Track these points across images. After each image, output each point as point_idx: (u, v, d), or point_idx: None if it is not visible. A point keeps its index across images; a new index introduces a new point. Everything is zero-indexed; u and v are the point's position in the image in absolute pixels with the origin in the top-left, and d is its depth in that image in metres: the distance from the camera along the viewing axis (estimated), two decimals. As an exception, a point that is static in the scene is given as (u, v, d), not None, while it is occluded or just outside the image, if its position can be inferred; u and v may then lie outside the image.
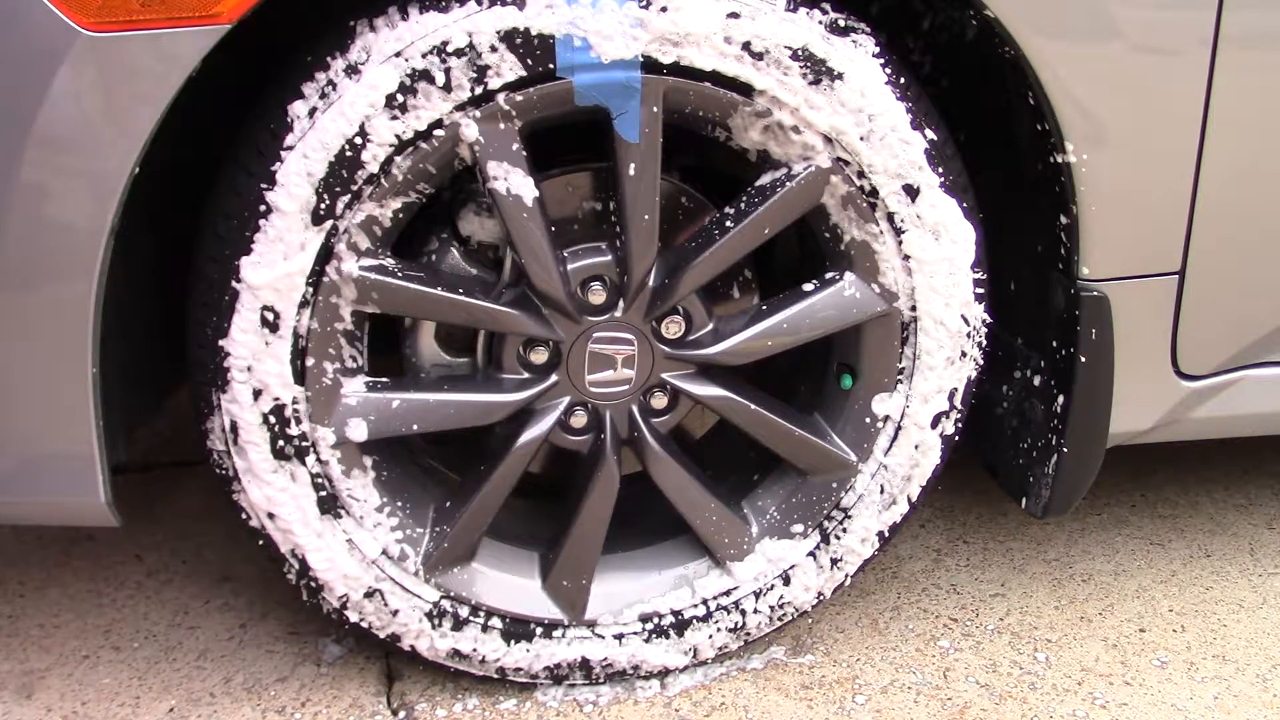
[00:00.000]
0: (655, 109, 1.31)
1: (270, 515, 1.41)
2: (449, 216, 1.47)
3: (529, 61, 1.26)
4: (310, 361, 1.36)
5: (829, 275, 1.49)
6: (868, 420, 1.54)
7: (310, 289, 1.32)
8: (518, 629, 1.55)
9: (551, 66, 1.26)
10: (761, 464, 1.64)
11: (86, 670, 1.65)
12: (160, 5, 1.16)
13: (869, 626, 1.76)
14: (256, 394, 1.35)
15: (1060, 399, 1.54)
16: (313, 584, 1.47)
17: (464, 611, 1.53)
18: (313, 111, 1.26)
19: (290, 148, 1.26)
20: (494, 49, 1.25)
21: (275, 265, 1.29)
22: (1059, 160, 1.41)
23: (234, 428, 1.36)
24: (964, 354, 1.51)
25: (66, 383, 1.27)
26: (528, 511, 1.66)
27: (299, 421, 1.37)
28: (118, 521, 1.36)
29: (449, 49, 1.25)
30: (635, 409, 1.52)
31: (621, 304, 1.44)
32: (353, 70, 1.26)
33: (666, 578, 1.61)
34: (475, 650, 1.54)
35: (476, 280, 1.46)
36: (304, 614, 1.76)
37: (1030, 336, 1.60)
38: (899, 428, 1.54)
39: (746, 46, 1.29)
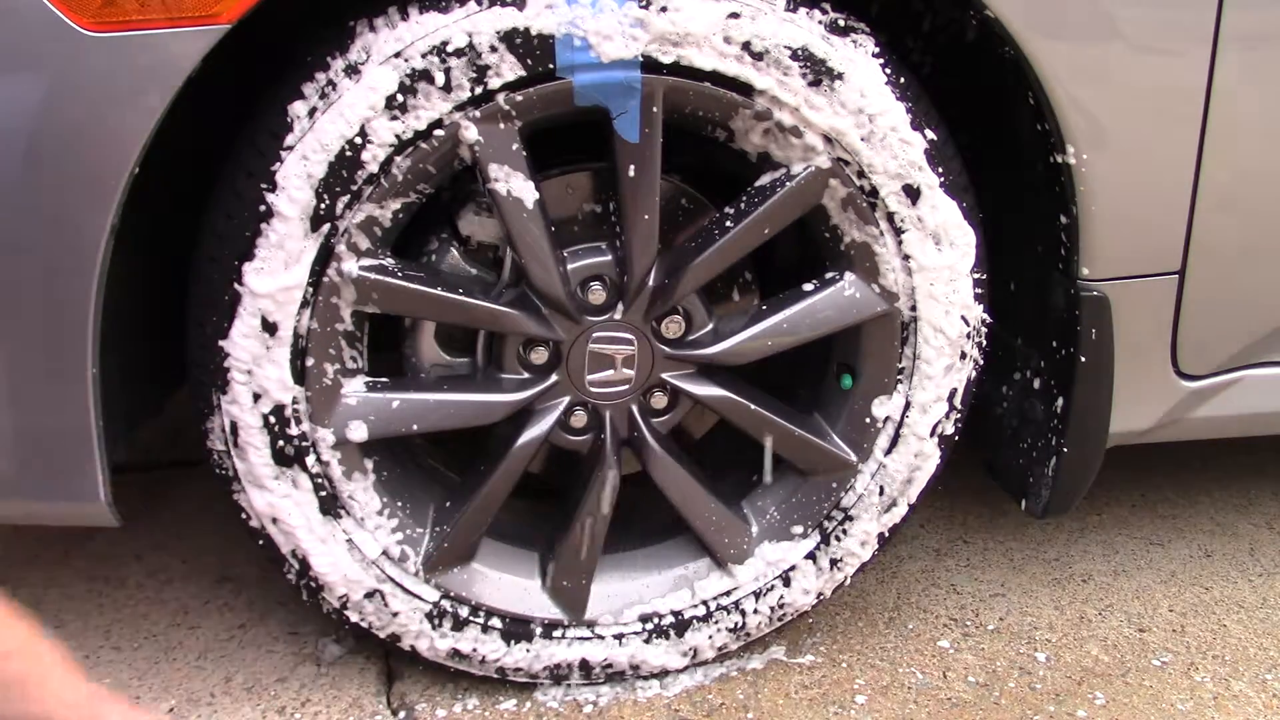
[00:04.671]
0: (655, 109, 1.31)
1: (272, 518, 1.41)
2: (449, 216, 1.47)
3: (529, 61, 1.26)
4: (310, 362, 1.36)
5: (829, 275, 1.49)
6: (867, 420, 1.54)
7: (310, 290, 1.32)
8: (518, 629, 1.55)
9: (551, 66, 1.26)
10: (761, 464, 1.64)
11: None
12: (160, 5, 1.16)
13: (869, 627, 1.76)
14: (256, 396, 1.35)
15: (1060, 399, 1.54)
16: (313, 584, 1.47)
17: (464, 612, 1.53)
18: (312, 112, 1.26)
19: (290, 148, 1.26)
20: (494, 49, 1.25)
21: (277, 272, 1.29)
22: (1059, 160, 1.41)
23: (234, 428, 1.36)
24: (964, 354, 1.50)
25: (66, 383, 1.27)
26: (528, 511, 1.66)
27: (299, 422, 1.37)
28: (118, 521, 1.36)
29: (449, 49, 1.25)
30: (635, 409, 1.52)
31: (621, 304, 1.44)
32: (352, 70, 1.26)
33: (666, 578, 1.61)
34: (475, 650, 1.54)
35: (476, 280, 1.46)
36: (304, 614, 1.76)
37: (1030, 337, 1.60)
38: (899, 428, 1.54)
39: (746, 46, 1.29)
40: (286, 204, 1.27)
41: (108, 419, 1.31)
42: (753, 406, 1.52)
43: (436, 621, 1.52)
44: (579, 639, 1.57)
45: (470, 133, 1.28)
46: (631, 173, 1.33)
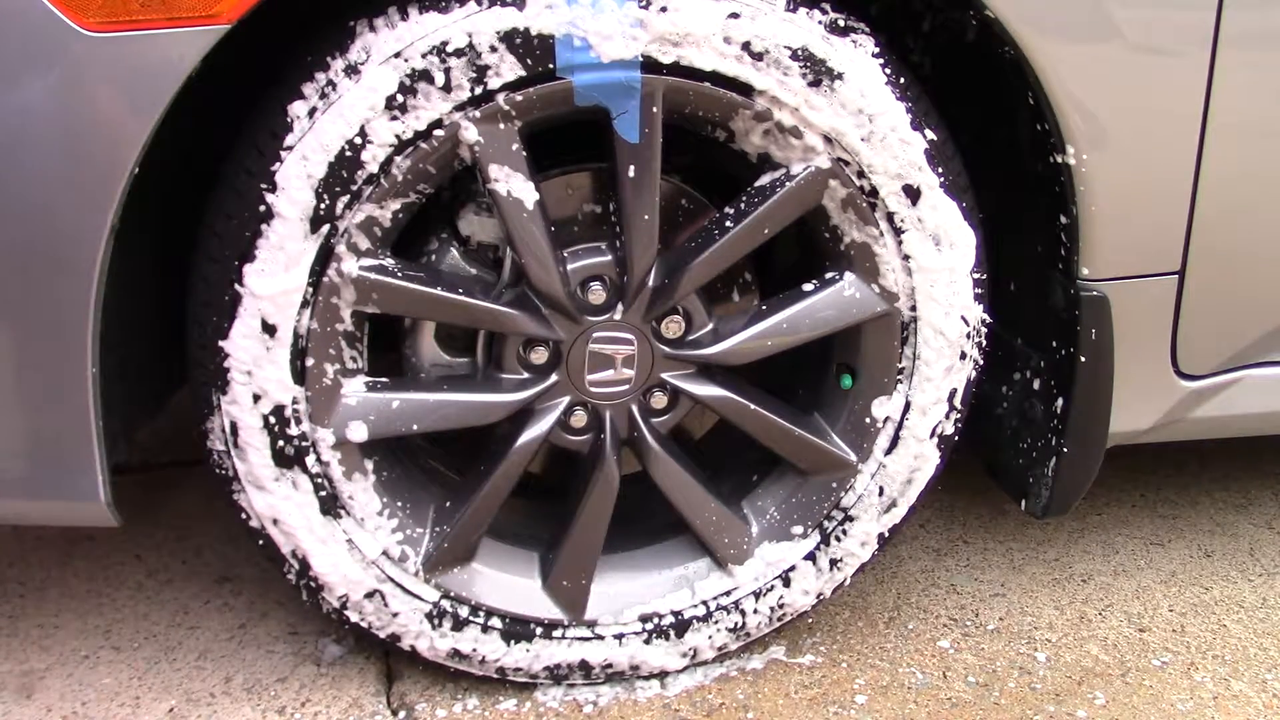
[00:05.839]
0: (655, 109, 1.31)
1: (272, 518, 1.41)
2: (449, 216, 1.47)
3: (529, 62, 1.26)
4: (310, 362, 1.36)
5: (829, 275, 1.49)
6: (868, 420, 1.54)
7: (310, 290, 1.32)
8: (518, 629, 1.55)
9: (551, 66, 1.26)
10: (761, 464, 1.64)
11: (86, 670, 1.65)
12: (160, 5, 1.16)
13: (869, 627, 1.76)
14: (256, 396, 1.35)
15: (1060, 399, 1.54)
16: (313, 584, 1.47)
17: (464, 612, 1.53)
18: (312, 112, 1.26)
19: (290, 148, 1.26)
20: (494, 49, 1.25)
21: (277, 273, 1.29)
22: (1059, 160, 1.41)
23: (234, 429, 1.36)
24: (964, 355, 1.50)
25: (66, 383, 1.27)
26: (528, 511, 1.66)
27: (299, 422, 1.37)
28: (118, 521, 1.36)
29: (449, 49, 1.25)
30: (635, 409, 1.52)
31: (621, 304, 1.44)
32: (352, 70, 1.26)
33: (666, 578, 1.61)
34: (475, 650, 1.54)
35: (476, 280, 1.45)
36: (304, 614, 1.76)
37: (1030, 337, 1.60)
38: (899, 428, 1.54)
39: (746, 47, 1.29)
40: (286, 205, 1.27)
41: (108, 419, 1.31)
42: (753, 406, 1.52)
43: (436, 621, 1.52)
44: (579, 639, 1.57)
45: (470, 133, 1.28)
46: (631, 173, 1.33)
